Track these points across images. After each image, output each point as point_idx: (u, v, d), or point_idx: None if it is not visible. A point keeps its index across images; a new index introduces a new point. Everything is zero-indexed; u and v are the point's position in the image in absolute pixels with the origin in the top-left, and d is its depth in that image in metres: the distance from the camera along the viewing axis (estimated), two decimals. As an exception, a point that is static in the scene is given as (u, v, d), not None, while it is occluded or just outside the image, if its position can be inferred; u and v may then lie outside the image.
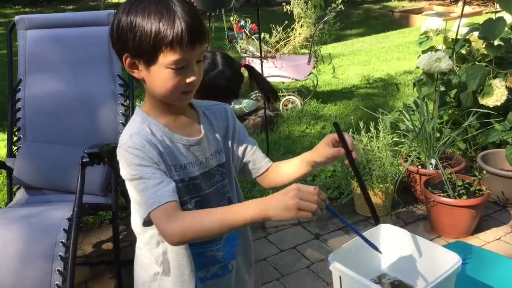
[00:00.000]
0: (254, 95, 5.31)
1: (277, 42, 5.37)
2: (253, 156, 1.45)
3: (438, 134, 3.43)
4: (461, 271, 1.35)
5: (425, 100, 3.61)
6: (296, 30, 5.36)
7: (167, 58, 1.17)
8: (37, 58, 2.86)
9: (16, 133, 2.82)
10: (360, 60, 7.59)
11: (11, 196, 2.73)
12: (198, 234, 1.16)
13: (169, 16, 1.16)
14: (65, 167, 2.58)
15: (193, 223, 1.15)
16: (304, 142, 4.47)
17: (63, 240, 1.97)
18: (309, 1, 5.24)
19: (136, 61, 1.22)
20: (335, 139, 1.29)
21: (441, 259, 1.28)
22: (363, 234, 1.23)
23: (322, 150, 1.32)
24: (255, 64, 5.25)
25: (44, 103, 2.82)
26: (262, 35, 5.00)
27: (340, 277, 1.30)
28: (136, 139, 1.23)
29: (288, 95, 5.30)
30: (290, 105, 5.28)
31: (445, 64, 3.42)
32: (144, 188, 1.18)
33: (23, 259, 1.93)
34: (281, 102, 5.26)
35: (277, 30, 5.37)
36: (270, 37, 5.32)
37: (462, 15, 3.79)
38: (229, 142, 1.42)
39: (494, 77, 3.55)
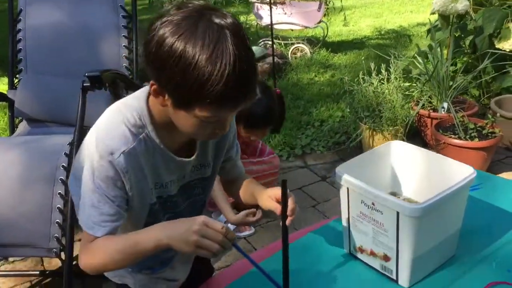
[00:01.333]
0: (262, 42, 5.18)
1: (287, -12, 5.20)
2: (230, 169, 1.39)
3: (451, 82, 3.33)
4: (473, 195, 1.29)
5: (440, 44, 3.48)
6: (306, -24, 5.18)
7: (202, 112, 0.97)
8: (38, -13, 2.75)
9: (18, 65, 2.75)
10: (372, 12, 7.38)
11: (13, 128, 2.68)
12: (108, 267, 1.14)
13: (225, 69, 0.92)
14: (67, 99, 2.51)
15: (103, 257, 1.09)
16: (313, 90, 4.38)
17: (64, 164, 1.92)
18: None
19: (166, 96, 1.00)
20: (279, 196, 1.15)
21: (455, 173, 1.22)
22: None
23: (265, 199, 1.24)
24: (264, 10, 5.11)
25: (45, 34, 2.73)
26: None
27: (347, 189, 1.24)
28: (122, 164, 1.05)
29: (297, 43, 5.17)
30: (299, 53, 5.15)
31: (462, 5, 3.27)
32: (96, 205, 1.08)
33: (23, 181, 1.89)
34: (290, 50, 5.14)
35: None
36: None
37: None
38: (220, 155, 1.31)
39: (513, 20, 3.41)
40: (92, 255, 1.11)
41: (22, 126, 2.67)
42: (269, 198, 1.23)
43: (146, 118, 1.09)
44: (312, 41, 5.44)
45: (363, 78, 3.21)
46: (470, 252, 1.31)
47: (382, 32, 6.22)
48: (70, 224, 1.87)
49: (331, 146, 3.45)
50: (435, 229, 1.19)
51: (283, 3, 5.02)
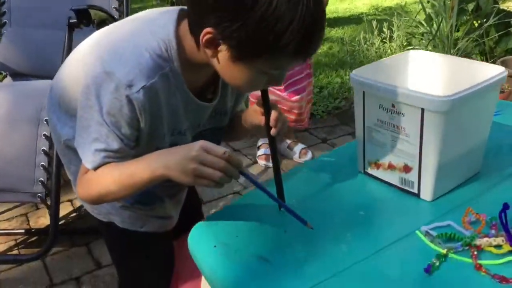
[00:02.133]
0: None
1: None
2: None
3: (455, 43, 3.22)
4: (495, 120, 1.18)
5: (444, 2, 3.37)
6: None
7: (268, 64, 0.88)
8: None
9: (1, 18, 2.60)
10: (368, -8, 7.26)
11: (-4, 84, 2.54)
12: (105, 199, 1.00)
13: (305, 15, 0.81)
14: (53, 51, 2.36)
15: (99, 188, 0.98)
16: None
17: (49, 105, 1.79)
18: None
19: (223, 46, 0.87)
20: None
21: (483, 74, 1.09)
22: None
23: (248, 115, 1.10)
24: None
25: (30, -15, 2.59)
26: None
27: (363, 94, 1.12)
28: (140, 100, 0.90)
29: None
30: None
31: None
32: (101, 140, 0.94)
33: (8, 122, 1.76)
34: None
35: None
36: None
37: None
38: (238, 102, 1.18)
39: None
40: (89, 186, 0.99)
41: (7, 81, 2.53)
42: (254, 112, 1.09)
43: (174, 51, 0.94)
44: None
45: (364, 37, 3.08)
46: (495, 170, 1.18)
47: (379, 10, 6.08)
48: (57, 165, 1.73)
49: (330, 110, 3.33)
50: (462, 131, 1.06)
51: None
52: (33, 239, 2.21)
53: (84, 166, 0.98)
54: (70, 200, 2.45)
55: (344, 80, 3.63)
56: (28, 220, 2.33)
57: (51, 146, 1.74)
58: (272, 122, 1.02)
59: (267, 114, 1.02)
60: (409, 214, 1.07)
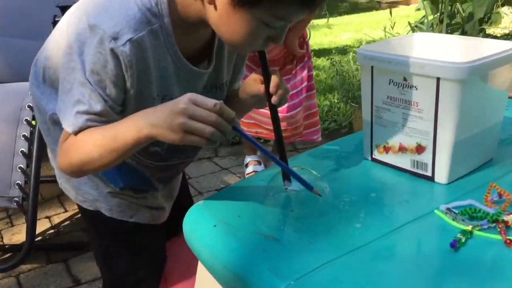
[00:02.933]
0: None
1: None
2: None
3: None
4: (506, 115, 1.12)
5: (432, 26, 3.40)
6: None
7: (270, 10, 0.81)
8: None
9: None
10: (351, 28, 7.39)
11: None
12: (86, 167, 0.89)
13: None
14: (32, 60, 2.29)
15: (80, 155, 0.88)
16: (298, 85, 4.23)
17: (30, 104, 1.68)
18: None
19: None
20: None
21: (495, 49, 1.03)
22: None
23: (247, 85, 1.03)
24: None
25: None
26: None
27: (372, 70, 1.05)
28: (126, 54, 0.83)
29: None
30: (281, 56, 5.03)
31: (452, -13, 3.22)
32: (83, 101, 0.85)
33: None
34: (273, 51, 5.02)
35: None
36: None
37: None
38: (236, 77, 1.11)
39: (503, 5, 3.35)
40: (69, 153, 0.89)
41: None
42: (253, 81, 1.01)
43: (164, 6, 0.86)
44: (294, 46, 5.34)
45: (353, 57, 3.07)
46: (510, 157, 1.11)
47: (363, 43, 6.17)
48: (36, 167, 1.61)
49: (321, 132, 3.27)
50: (479, 105, 0.99)
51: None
52: (6, 256, 2.05)
53: (65, 132, 0.88)
54: (48, 217, 2.31)
55: (333, 103, 3.60)
56: (2, 237, 2.17)
57: (30, 147, 1.63)
58: (272, 89, 0.94)
59: (266, 80, 0.94)
60: (424, 196, 0.99)
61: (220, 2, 0.81)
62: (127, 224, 1.08)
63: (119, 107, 0.89)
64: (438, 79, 0.93)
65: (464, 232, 0.82)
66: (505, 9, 3.27)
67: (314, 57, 5.17)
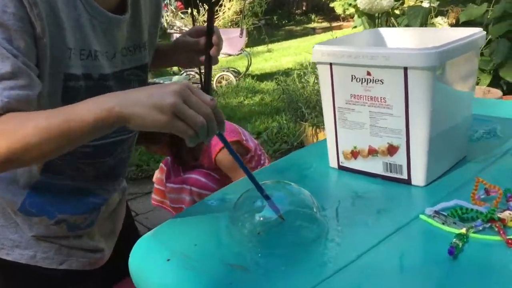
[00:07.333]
0: (185, 74, 4.94)
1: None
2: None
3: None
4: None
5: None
6: (225, 6, 5.09)
7: None
8: None
9: None
10: (290, 52, 7.46)
11: None
12: (17, 156, 0.70)
13: None
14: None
15: (10, 140, 0.70)
16: (243, 110, 4.15)
17: None
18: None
19: None
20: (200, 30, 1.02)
21: (454, 37, 0.95)
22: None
23: (189, 35, 1.04)
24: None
25: None
26: (189, 11, 4.70)
27: (331, 67, 0.94)
28: None
29: (222, 71, 4.97)
30: (224, 82, 4.95)
31: (386, 1, 3.25)
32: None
33: None
34: (215, 78, 4.92)
35: (204, 8, 5.07)
36: (198, 13, 5.02)
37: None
38: (154, 33, 1.02)
39: (436, 16, 3.42)
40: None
41: None
42: (194, 32, 1.03)
43: None
44: (235, 72, 5.28)
45: (298, 75, 3.02)
46: (482, 153, 1.03)
47: (304, 65, 6.21)
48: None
49: (272, 154, 3.17)
50: (450, 97, 0.91)
51: (203, 32, 4.85)
52: None
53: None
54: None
55: (282, 124, 3.52)
56: None
57: None
58: (215, 40, 0.98)
59: (210, 33, 0.99)
60: (403, 201, 0.88)
61: None
62: (55, 273, 0.90)
63: (34, 66, 0.73)
64: (405, 69, 0.84)
65: (459, 236, 0.71)
66: (439, 19, 3.33)
67: (258, 81, 5.13)
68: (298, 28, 12.81)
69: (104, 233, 1.03)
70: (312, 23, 12.64)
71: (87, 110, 0.69)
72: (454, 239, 0.70)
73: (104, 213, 1.01)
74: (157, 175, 2.15)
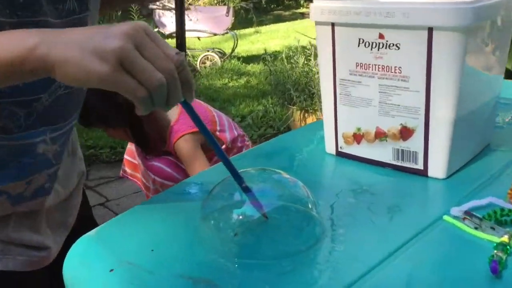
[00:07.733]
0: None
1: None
2: None
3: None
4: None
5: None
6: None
7: None
8: None
9: None
10: (279, 35, 7.25)
11: None
12: None
13: None
14: None
15: None
16: (228, 92, 3.95)
17: None
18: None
19: None
20: None
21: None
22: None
23: None
24: (167, 17, 4.68)
25: None
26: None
27: (333, 29, 0.76)
28: None
29: (207, 51, 4.76)
30: (208, 63, 4.73)
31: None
32: None
33: None
34: (199, 59, 4.71)
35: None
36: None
37: None
38: None
39: None
40: None
41: None
42: None
43: None
44: (221, 53, 5.07)
45: (287, 56, 2.83)
46: (508, 142, 0.86)
47: (293, 48, 6.02)
48: None
49: (256, 139, 2.99)
50: (483, 69, 0.73)
51: (187, 9, 4.61)
52: None
53: None
54: None
55: (268, 107, 3.33)
56: None
57: None
58: None
59: None
60: (419, 198, 0.70)
61: None
62: None
63: None
64: (430, 30, 0.66)
65: (501, 246, 0.54)
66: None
67: (244, 63, 4.93)
68: (287, 13, 12.58)
69: (52, 225, 0.83)
70: (301, 8, 12.41)
71: (8, 43, 0.50)
72: (495, 251, 0.53)
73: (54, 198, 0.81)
74: (129, 145, 1.88)
